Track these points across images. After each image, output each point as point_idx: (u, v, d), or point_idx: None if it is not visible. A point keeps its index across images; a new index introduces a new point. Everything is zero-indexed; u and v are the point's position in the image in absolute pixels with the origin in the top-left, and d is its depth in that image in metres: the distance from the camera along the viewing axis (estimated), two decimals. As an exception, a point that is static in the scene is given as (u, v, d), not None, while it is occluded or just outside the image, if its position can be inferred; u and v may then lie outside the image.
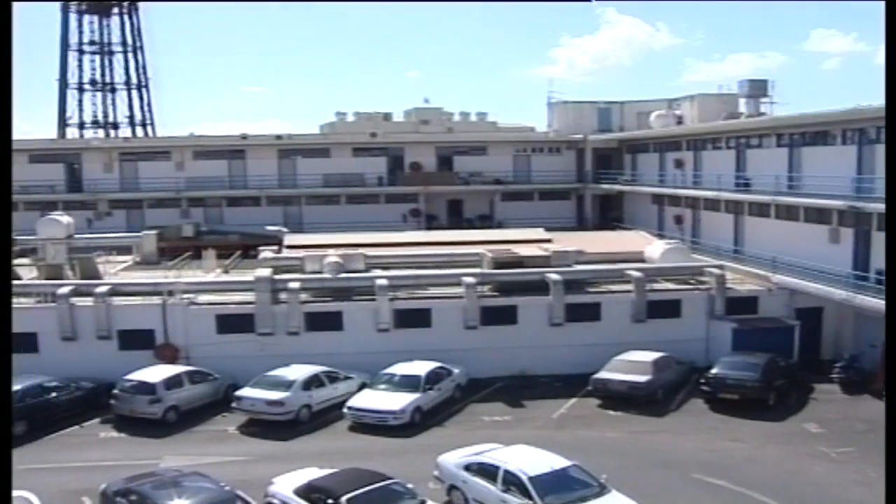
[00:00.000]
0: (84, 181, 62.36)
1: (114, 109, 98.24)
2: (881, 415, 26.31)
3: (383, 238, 46.78)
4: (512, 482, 21.38)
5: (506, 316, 37.20)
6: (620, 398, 32.63)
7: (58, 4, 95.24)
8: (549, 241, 45.35)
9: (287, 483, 22.18)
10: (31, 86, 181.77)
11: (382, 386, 32.12)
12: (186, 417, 31.48)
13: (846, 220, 35.91)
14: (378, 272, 38.73)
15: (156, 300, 36.42)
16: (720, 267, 39.35)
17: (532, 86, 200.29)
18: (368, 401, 31.14)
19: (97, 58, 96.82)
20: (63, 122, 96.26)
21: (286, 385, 31.28)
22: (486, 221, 63.40)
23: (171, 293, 36.54)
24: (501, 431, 28.79)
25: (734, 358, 33.79)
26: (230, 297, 37.37)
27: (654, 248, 42.87)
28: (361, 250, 40.92)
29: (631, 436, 29.44)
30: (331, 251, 40.15)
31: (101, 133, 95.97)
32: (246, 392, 31.40)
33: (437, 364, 33.31)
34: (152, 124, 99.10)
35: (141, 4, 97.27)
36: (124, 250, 49.83)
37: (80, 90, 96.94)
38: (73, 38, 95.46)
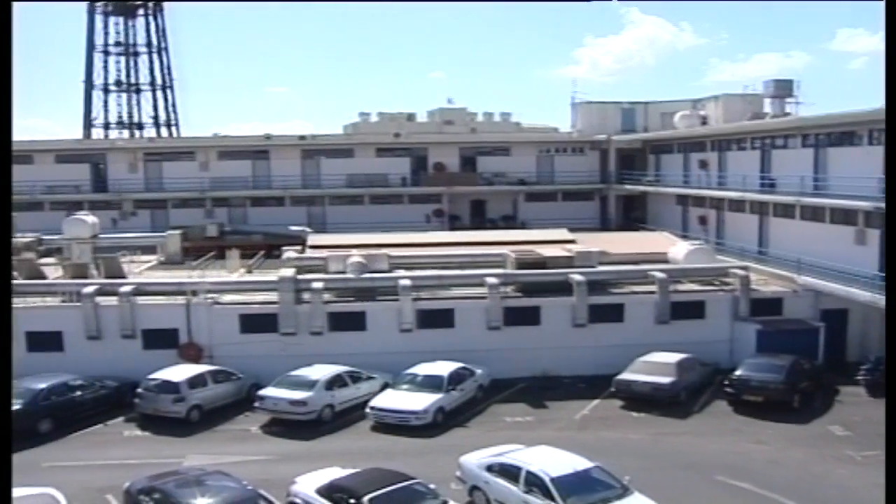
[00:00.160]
0: (109, 181, 62.74)
1: (139, 110, 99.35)
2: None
3: (407, 238, 46.75)
4: (534, 483, 21.34)
5: (529, 316, 37.15)
6: (643, 400, 32.51)
7: (84, 6, 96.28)
8: (572, 241, 45.22)
9: (309, 482, 22.24)
10: (58, 87, 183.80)
11: (405, 386, 32.13)
12: (210, 416, 31.63)
13: (872, 221, 35.57)
14: (401, 272, 38.76)
15: (180, 300, 36.63)
16: (745, 268, 39.14)
17: (556, 86, 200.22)
18: (391, 401, 31.17)
19: (122, 59, 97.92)
20: (88, 123, 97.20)
21: (309, 385, 31.35)
22: (509, 222, 63.29)
23: (195, 293, 36.73)
24: (524, 432, 28.74)
25: (758, 360, 33.58)
26: (254, 297, 37.50)
27: (679, 249, 42.68)
28: (385, 250, 40.93)
29: (654, 437, 29.32)
30: (354, 251, 40.18)
31: (125, 133, 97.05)
32: (269, 391, 31.50)
33: (460, 364, 33.30)
34: (177, 125, 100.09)
35: (166, 5, 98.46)
36: (149, 250, 50.16)
37: (106, 91, 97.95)
38: (99, 40, 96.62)
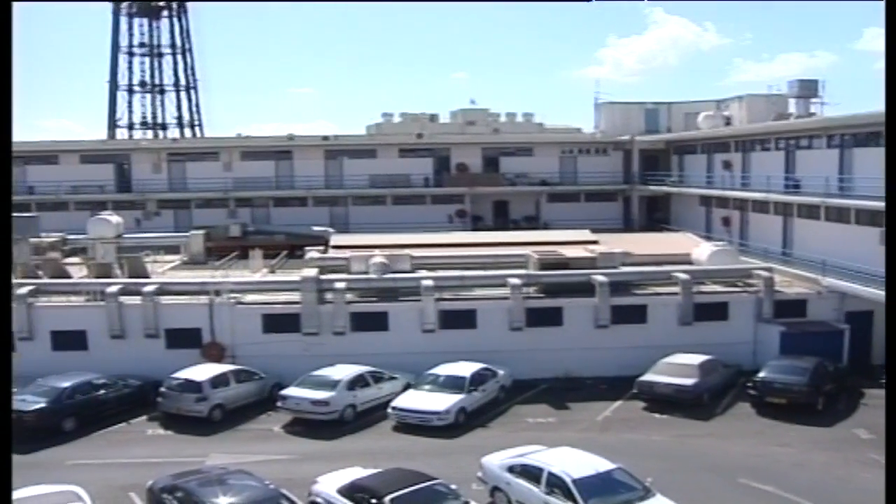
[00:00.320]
0: (133, 181, 63.08)
1: (162, 111, 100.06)
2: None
3: (429, 239, 46.76)
4: (556, 484, 21.29)
5: (551, 317, 37.07)
6: (666, 401, 32.39)
7: (109, 7, 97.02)
8: (595, 242, 45.06)
9: (331, 482, 22.29)
10: (83, 88, 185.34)
11: (427, 386, 32.15)
12: (232, 416, 31.75)
13: (899, 222, 35.25)
14: (423, 273, 38.79)
15: (203, 299, 36.79)
16: (768, 269, 38.91)
17: (579, 87, 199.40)
18: (413, 401, 31.19)
19: (147, 60, 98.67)
20: (113, 124, 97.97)
21: (331, 385, 31.41)
22: (531, 222, 63.14)
23: (217, 293, 36.88)
24: (545, 433, 28.67)
25: (782, 362, 33.37)
26: (276, 297, 37.57)
27: (702, 250, 42.46)
28: (407, 251, 40.93)
29: (676, 439, 29.19)
30: (377, 251, 40.20)
31: (149, 134, 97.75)
32: (291, 391, 31.58)
33: (482, 365, 33.26)
34: (200, 125, 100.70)
35: (190, 6, 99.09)
36: (172, 250, 50.31)
37: (130, 92, 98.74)
38: (124, 41, 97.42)
